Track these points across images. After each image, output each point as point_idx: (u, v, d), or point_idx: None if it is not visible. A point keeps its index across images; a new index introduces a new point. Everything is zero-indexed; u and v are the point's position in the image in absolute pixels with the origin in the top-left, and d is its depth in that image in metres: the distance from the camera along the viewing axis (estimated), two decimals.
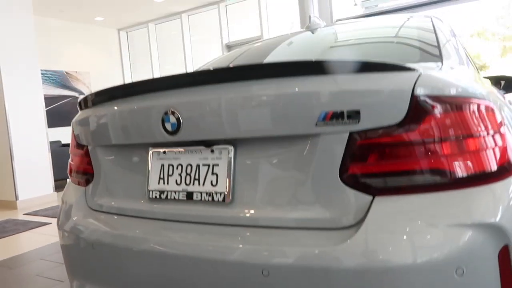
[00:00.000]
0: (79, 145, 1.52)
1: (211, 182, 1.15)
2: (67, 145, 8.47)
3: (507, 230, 0.90)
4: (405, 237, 0.90)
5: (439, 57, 1.31)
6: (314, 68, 1.01)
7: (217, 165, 1.14)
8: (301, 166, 1.04)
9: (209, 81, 1.11)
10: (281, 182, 1.06)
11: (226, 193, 1.11)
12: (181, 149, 1.22)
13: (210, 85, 1.11)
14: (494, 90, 1.33)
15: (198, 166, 1.18)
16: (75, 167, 1.56)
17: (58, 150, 6.65)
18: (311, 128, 0.99)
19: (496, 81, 2.74)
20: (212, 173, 1.15)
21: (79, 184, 1.52)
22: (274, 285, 0.95)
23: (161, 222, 1.22)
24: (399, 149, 0.94)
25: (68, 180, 1.71)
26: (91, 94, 1.41)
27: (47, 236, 3.81)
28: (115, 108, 1.30)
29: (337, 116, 0.96)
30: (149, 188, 1.26)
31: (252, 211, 1.07)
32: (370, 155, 0.96)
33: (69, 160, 1.64)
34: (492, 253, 0.90)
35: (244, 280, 0.99)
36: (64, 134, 9.20)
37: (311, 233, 0.99)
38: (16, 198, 5.35)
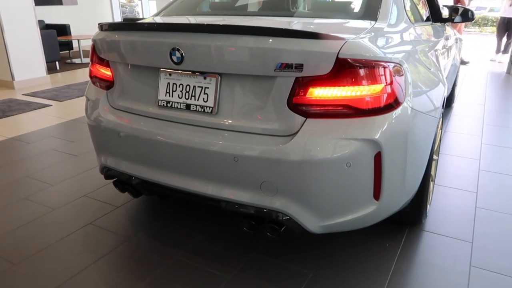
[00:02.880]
0: (100, 58, 2.00)
1: (203, 99, 1.70)
2: (52, 26, 8.51)
3: (381, 143, 1.52)
4: (320, 142, 1.50)
5: (374, 17, 1.80)
6: (281, 32, 1.50)
7: (208, 87, 1.68)
8: (263, 96, 1.59)
9: (207, 31, 1.59)
10: (251, 104, 1.62)
11: (212, 107, 1.68)
12: (182, 73, 1.73)
13: (208, 33, 1.59)
14: (408, 49, 1.83)
15: (194, 87, 1.71)
16: (98, 74, 2.05)
17: (43, 33, 6.80)
18: (271, 72, 1.52)
19: (453, 10, 3.20)
20: (204, 93, 1.69)
21: (101, 87, 2.04)
22: (241, 168, 1.58)
23: (167, 122, 1.79)
24: (324, 91, 1.50)
25: (89, 82, 2.21)
26: (113, 23, 1.85)
27: (52, 117, 4.36)
28: (135, 37, 1.77)
29: (288, 66, 1.49)
30: (158, 98, 1.81)
31: (230, 121, 1.65)
32: (306, 92, 1.52)
33: (90, 67, 2.13)
34: (370, 155, 1.53)
35: (222, 163, 1.61)
36: (45, 14, 9.13)
37: (267, 138, 1.58)
38: (12, 78, 5.73)
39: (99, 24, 1.97)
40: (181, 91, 1.75)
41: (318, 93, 1.51)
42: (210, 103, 1.68)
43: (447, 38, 3.23)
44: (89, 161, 3.13)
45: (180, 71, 1.73)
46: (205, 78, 1.68)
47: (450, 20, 3.18)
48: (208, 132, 1.68)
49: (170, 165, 1.76)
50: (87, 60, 8.06)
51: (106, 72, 2.00)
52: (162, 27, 1.72)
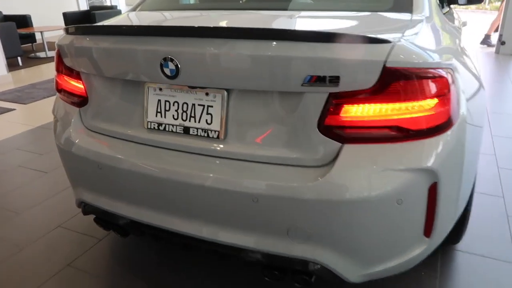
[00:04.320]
0: (68, 67, 1.60)
1: (206, 120, 1.33)
2: (11, 17, 7.80)
3: (438, 172, 1.20)
4: (363, 175, 1.17)
5: (409, 8, 1.46)
6: (306, 35, 1.15)
7: (211, 106, 1.32)
8: (286, 116, 1.24)
9: (210, 35, 1.22)
10: (269, 126, 1.27)
11: (219, 130, 1.31)
12: (177, 88, 1.36)
13: (211, 38, 1.22)
14: (453, 47, 1.51)
15: (193, 105, 1.35)
16: (67, 87, 1.65)
17: (1, 26, 6.16)
18: (297, 87, 1.17)
19: None
20: (207, 113, 1.33)
21: (72, 104, 1.64)
22: (262, 210, 1.23)
23: (159, 149, 1.42)
24: (367, 109, 1.16)
25: (56, 95, 1.81)
26: (83, 26, 1.45)
27: (16, 124, 3.88)
28: (111, 43, 1.38)
29: (320, 80, 1.14)
30: (147, 119, 1.43)
31: (243, 148, 1.29)
32: (343, 111, 1.18)
33: (56, 77, 1.72)
34: (425, 187, 1.21)
35: (236, 204, 1.26)
36: (2, 4, 8.37)
37: (293, 170, 1.24)
38: None
39: (65, 27, 1.57)
40: (176, 111, 1.38)
41: (359, 112, 1.17)
42: (216, 125, 1.32)
43: (460, 25, 2.93)
44: (62, 180, 2.71)
45: (173, 86, 1.36)
46: (207, 94, 1.32)
47: (456, 2, 2.88)
48: (215, 162, 1.32)
49: (166, 204, 1.40)
50: (53, 53, 7.43)
51: (77, 85, 1.60)
52: (149, 31, 1.33)
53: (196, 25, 1.22)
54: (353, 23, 1.39)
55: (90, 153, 1.50)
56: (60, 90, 1.70)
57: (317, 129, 1.21)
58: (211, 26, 1.23)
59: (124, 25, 1.40)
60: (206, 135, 1.34)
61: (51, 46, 8.11)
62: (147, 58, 1.31)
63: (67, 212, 2.32)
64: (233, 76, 1.22)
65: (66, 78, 1.64)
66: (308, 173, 1.22)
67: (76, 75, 1.58)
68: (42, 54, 7.49)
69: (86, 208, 1.66)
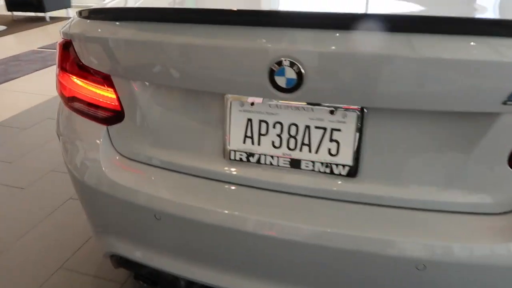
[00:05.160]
0: (85, 68, 1.10)
1: (329, 149, 0.92)
2: None
3: None
4: None
5: None
6: None
7: (339, 130, 0.90)
8: (461, 145, 0.86)
9: (359, 27, 0.78)
10: (431, 159, 0.88)
11: (351, 165, 0.91)
12: (282, 103, 0.92)
13: (359, 31, 0.78)
14: None
15: (307, 127, 0.92)
16: (82, 95, 1.15)
17: None
18: (495, 106, 0.78)
19: None
20: (331, 139, 0.91)
21: (94, 120, 1.15)
22: (431, 281, 0.86)
23: (248, 189, 0.99)
24: None
25: (59, 104, 1.29)
26: (122, 9, 0.96)
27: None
28: (176, 35, 0.91)
29: None
30: (229, 147, 0.99)
31: (389, 190, 0.90)
32: None
33: (59, 78, 1.21)
34: None
35: (387, 272, 0.88)
36: None
37: (464, 218, 0.87)
38: None
39: (82, 10, 1.06)
40: (279, 136, 0.95)
41: None
42: (346, 157, 0.91)
43: None
44: (47, 196, 2.17)
45: (273, 102, 0.92)
46: (332, 113, 0.89)
47: None
48: (345, 210, 0.92)
49: (258, 267, 0.99)
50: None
51: (103, 93, 1.11)
52: (253, 18, 0.86)
53: (329, 10, 0.78)
54: None
55: (137, 195, 1.04)
56: (70, 98, 1.19)
57: (507, 164, 0.84)
58: (360, 12, 0.80)
59: (203, 9, 0.91)
60: (329, 171, 0.93)
61: None
62: (246, 60, 0.86)
63: (64, 246, 1.81)
64: (379, 87, 0.81)
65: (82, 81, 1.14)
66: (493, 223, 0.86)
67: (102, 79, 1.09)
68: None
69: (122, 262, 1.20)
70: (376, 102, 0.83)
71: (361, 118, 0.88)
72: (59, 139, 1.29)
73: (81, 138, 1.17)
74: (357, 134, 0.89)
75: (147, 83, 1.03)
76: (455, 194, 0.88)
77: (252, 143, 0.97)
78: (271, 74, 0.84)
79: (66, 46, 1.14)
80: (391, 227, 0.88)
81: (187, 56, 0.92)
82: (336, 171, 0.92)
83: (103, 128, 1.14)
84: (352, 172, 0.91)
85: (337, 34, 0.79)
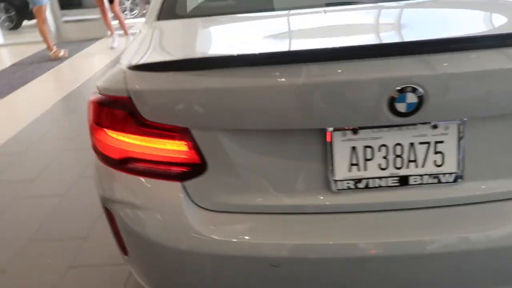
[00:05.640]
0: (154, 125, 1.01)
1: (435, 161, 0.97)
2: None
3: None
4: None
5: None
6: None
7: (442, 142, 0.96)
8: None
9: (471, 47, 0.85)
10: None
11: (456, 172, 0.97)
12: (384, 128, 0.95)
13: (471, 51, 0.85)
14: None
15: (412, 145, 0.96)
16: (145, 155, 1.05)
17: None
18: None
19: None
20: (435, 152, 0.97)
21: (165, 178, 1.06)
22: None
23: (357, 215, 1.01)
24: None
25: (101, 168, 1.16)
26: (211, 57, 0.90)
27: None
28: (281, 78, 0.89)
29: None
30: (334, 178, 0.99)
31: (495, 186, 0.98)
32: None
33: (99, 138, 1.10)
34: None
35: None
36: None
37: None
38: None
39: (134, 65, 0.97)
40: (385, 157, 0.97)
41: None
42: (451, 165, 0.97)
43: None
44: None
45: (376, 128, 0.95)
46: (435, 127, 0.95)
47: None
48: (457, 214, 0.99)
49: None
50: None
51: (177, 148, 1.03)
52: (363, 51, 0.88)
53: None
54: None
55: (248, 246, 0.99)
56: (123, 160, 1.08)
57: None
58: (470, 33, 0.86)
59: (315, 49, 0.90)
60: (436, 181, 0.98)
61: None
62: (361, 92, 0.87)
63: None
64: (484, 99, 0.89)
65: (143, 140, 1.04)
66: None
67: (178, 134, 1.01)
68: None
69: None
70: (476, 112, 0.91)
71: (462, 128, 0.94)
72: (109, 208, 1.15)
73: (153, 202, 1.06)
74: (459, 143, 0.96)
75: (230, 131, 0.98)
76: None
77: (358, 169, 0.98)
78: (391, 101, 0.86)
79: (116, 104, 1.03)
80: (504, 219, 0.96)
81: (288, 97, 0.90)
82: (443, 179, 0.98)
83: (177, 185, 1.05)
84: (458, 177, 0.98)
85: (455, 55, 0.85)
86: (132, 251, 1.17)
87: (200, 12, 1.47)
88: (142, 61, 1.02)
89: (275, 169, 1.01)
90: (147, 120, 1.01)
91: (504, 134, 0.97)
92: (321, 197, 1.01)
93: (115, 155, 1.10)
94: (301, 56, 0.90)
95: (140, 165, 1.07)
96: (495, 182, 0.99)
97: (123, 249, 1.23)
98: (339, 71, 0.87)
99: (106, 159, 1.13)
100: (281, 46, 1.11)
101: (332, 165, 0.98)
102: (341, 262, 0.97)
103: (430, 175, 0.98)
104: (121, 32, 6.44)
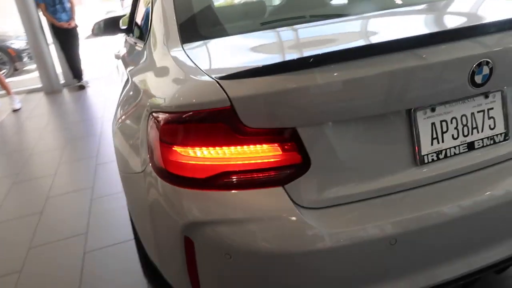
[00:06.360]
0: (257, 132, 1.01)
1: (490, 126, 1.17)
2: None
3: None
4: None
5: None
6: None
7: (492, 108, 1.16)
8: None
9: None
10: None
11: (505, 132, 1.18)
12: (452, 103, 1.12)
13: None
14: None
15: (472, 114, 1.15)
16: (243, 166, 1.04)
17: None
18: None
19: None
20: (489, 118, 1.16)
21: (264, 186, 1.04)
22: None
23: (439, 183, 1.14)
24: None
25: (185, 193, 1.08)
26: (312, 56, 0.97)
27: None
28: (379, 67, 1.00)
29: None
30: (421, 153, 1.11)
31: None
32: None
33: (178, 156, 1.05)
34: None
35: None
36: None
37: None
38: None
39: (243, 71, 0.98)
40: (456, 128, 1.13)
41: None
42: (500, 127, 1.18)
43: None
44: None
45: (448, 103, 1.11)
46: (487, 97, 1.15)
47: None
48: (501, 169, 1.19)
49: (464, 246, 1.15)
50: None
51: (278, 152, 1.03)
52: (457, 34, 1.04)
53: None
54: None
55: (364, 231, 1.03)
56: (214, 176, 1.04)
57: None
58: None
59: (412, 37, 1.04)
60: (492, 142, 1.17)
61: None
62: (448, 71, 1.02)
63: None
64: None
65: (243, 150, 1.02)
66: None
67: (285, 135, 1.02)
68: None
69: None
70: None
71: (505, 95, 1.16)
72: (189, 237, 1.07)
73: (257, 212, 1.03)
74: (504, 108, 1.17)
75: (334, 123, 1.03)
76: None
77: (438, 142, 1.12)
78: (472, 75, 1.03)
79: (211, 117, 1.00)
80: None
81: (385, 83, 1.01)
82: (497, 139, 1.18)
83: (279, 189, 1.04)
84: (507, 136, 1.19)
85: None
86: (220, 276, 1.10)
87: (227, 32, 1.50)
88: (235, 70, 1.01)
89: (371, 154, 1.09)
90: (249, 128, 1.00)
91: None
92: (412, 172, 1.11)
93: (202, 174, 1.05)
94: (391, 46, 1.02)
95: (235, 178, 1.04)
96: None
97: (195, 282, 1.15)
98: (426, 56, 1.01)
99: (187, 181, 1.06)
100: (366, 41, 1.26)
101: (419, 141, 1.10)
102: (443, 226, 1.07)
103: (488, 137, 1.17)
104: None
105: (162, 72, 1.29)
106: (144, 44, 1.68)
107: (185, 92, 1.07)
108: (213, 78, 1.01)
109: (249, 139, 1.01)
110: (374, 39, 1.31)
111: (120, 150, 1.50)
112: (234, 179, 1.04)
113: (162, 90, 1.18)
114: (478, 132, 1.16)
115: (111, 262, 2.07)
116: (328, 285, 1.06)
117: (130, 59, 2.11)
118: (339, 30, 1.42)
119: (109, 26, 2.73)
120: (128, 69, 1.91)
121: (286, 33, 1.43)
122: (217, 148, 1.03)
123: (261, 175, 1.04)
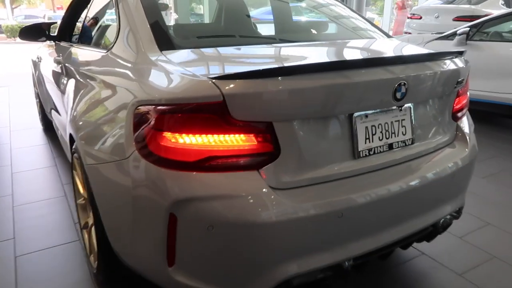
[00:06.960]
0: (241, 123, 1.25)
1: (402, 132, 1.56)
2: None
3: None
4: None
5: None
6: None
7: (404, 119, 1.57)
8: (439, 112, 1.70)
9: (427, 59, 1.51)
10: (432, 123, 1.67)
11: (412, 138, 1.59)
12: (379, 113, 1.49)
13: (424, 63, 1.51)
14: None
15: (391, 122, 1.53)
16: (226, 151, 1.26)
17: None
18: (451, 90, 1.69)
19: None
20: (402, 126, 1.56)
21: (242, 169, 1.28)
22: (444, 185, 1.64)
23: (369, 173, 1.48)
24: None
25: (172, 174, 1.25)
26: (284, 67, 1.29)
27: None
28: (331, 79, 1.33)
29: (459, 82, 1.71)
30: (358, 149, 1.44)
31: (424, 145, 1.63)
32: (458, 101, 1.80)
33: (175, 143, 1.25)
34: None
35: (433, 189, 1.59)
36: None
37: (448, 150, 1.72)
38: None
39: (248, 71, 1.23)
40: (381, 132, 1.50)
41: None
42: (409, 134, 1.58)
43: None
44: None
45: (375, 111, 1.48)
46: (400, 110, 1.55)
47: None
48: (409, 165, 1.59)
49: (389, 221, 1.51)
50: None
51: (259, 140, 1.28)
52: (382, 62, 1.39)
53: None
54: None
55: (321, 206, 1.32)
56: (202, 160, 1.25)
57: (451, 117, 1.77)
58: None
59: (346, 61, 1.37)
60: (404, 144, 1.57)
61: None
62: (382, 86, 1.39)
63: None
64: (421, 91, 1.56)
65: (229, 138, 1.25)
66: (454, 149, 1.76)
67: (263, 128, 1.27)
68: None
69: (294, 282, 1.36)
70: (420, 99, 1.57)
71: (411, 110, 1.58)
72: (174, 213, 1.25)
73: (237, 190, 1.25)
74: (411, 119, 1.58)
75: (299, 120, 1.31)
76: (441, 138, 1.73)
77: (369, 141, 1.47)
78: (395, 92, 1.41)
79: (205, 109, 1.21)
80: (434, 163, 1.62)
81: (340, 93, 1.33)
82: (407, 143, 1.58)
83: (255, 173, 1.28)
84: (413, 141, 1.60)
85: (421, 65, 1.48)
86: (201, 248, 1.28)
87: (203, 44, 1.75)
88: (228, 72, 1.24)
89: (324, 148, 1.39)
90: (236, 119, 1.23)
91: (428, 114, 1.65)
92: (352, 164, 1.44)
93: (191, 158, 1.24)
94: (340, 66, 1.36)
95: (219, 161, 1.25)
96: (428, 140, 1.65)
97: (172, 258, 1.31)
98: (364, 74, 1.37)
99: (177, 164, 1.24)
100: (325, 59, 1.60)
101: (357, 140, 1.44)
102: (374, 204, 1.41)
103: (401, 141, 1.56)
104: None
105: (150, 72, 1.45)
106: (108, 50, 1.80)
107: (182, 87, 1.26)
108: (208, 78, 1.23)
109: (234, 129, 1.24)
110: (320, 59, 1.66)
111: (89, 143, 1.59)
112: (218, 163, 1.25)
113: (155, 87, 1.35)
114: (395, 136, 1.55)
115: (45, 265, 2.04)
116: (290, 252, 1.31)
117: (79, 63, 2.18)
118: (287, 52, 1.75)
119: (34, 32, 2.91)
120: (81, 71, 2.00)
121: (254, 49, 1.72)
122: (207, 135, 1.23)
123: (241, 160, 1.27)
